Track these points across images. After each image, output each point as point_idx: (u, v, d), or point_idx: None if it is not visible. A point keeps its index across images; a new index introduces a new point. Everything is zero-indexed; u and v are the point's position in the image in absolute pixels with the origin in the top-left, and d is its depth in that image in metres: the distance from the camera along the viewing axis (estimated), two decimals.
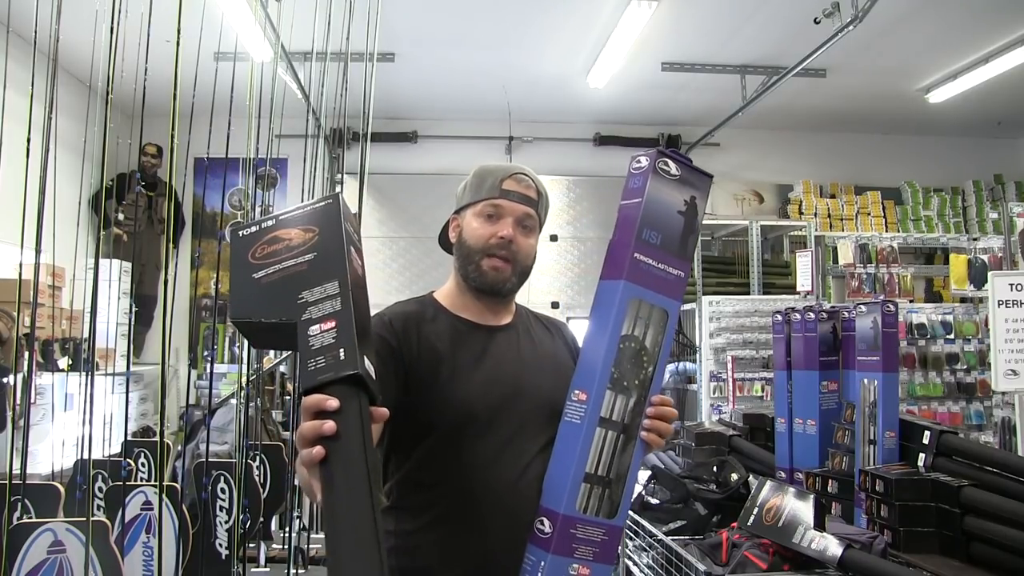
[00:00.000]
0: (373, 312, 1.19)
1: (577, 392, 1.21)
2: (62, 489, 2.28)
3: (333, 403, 0.89)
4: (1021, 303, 2.90)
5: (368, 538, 0.86)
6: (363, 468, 0.88)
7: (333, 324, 0.96)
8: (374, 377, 0.97)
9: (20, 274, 2.31)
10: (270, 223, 1.08)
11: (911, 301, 5.22)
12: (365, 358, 0.95)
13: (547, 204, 1.47)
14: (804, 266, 4.95)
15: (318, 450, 0.88)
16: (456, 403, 1.31)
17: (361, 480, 0.88)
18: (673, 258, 1.22)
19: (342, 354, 0.93)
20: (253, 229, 1.08)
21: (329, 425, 0.88)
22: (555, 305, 6.11)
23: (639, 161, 1.25)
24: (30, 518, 2.17)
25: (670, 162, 1.23)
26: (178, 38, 2.18)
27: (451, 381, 1.33)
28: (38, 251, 2.18)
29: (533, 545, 1.19)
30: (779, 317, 2.15)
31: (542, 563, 1.15)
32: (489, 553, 1.28)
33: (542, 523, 1.18)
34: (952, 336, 4.77)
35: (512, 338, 1.42)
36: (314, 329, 0.96)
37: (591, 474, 1.17)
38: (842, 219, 6.36)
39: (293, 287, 1.01)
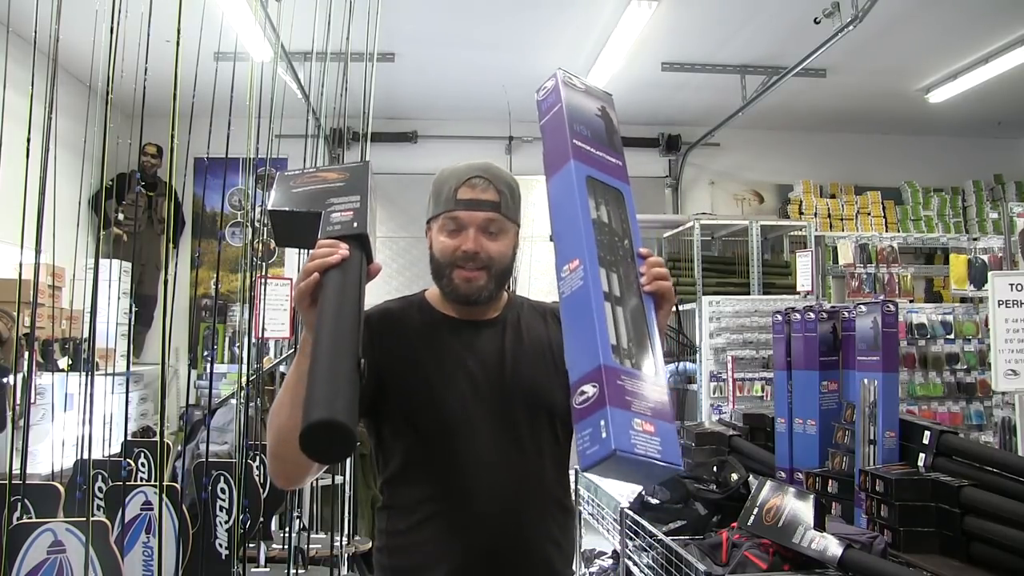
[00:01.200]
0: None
1: (568, 265, 1.12)
2: (62, 489, 2.28)
3: (344, 246, 1.11)
4: (1021, 303, 2.89)
5: (349, 347, 1.01)
6: (357, 293, 1.08)
7: (351, 212, 1.18)
8: (373, 253, 1.18)
9: (20, 274, 2.31)
10: (311, 169, 1.31)
11: (911, 301, 5.22)
12: (371, 237, 1.17)
13: (515, 196, 1.41)
14: (804, 266, 4.95)
15: (335, 257, 1.09)
16: (436, 400, 1.31)
17: (354, 300, 1.06)
18: (607, 147, 1.24)
19: (355, 224, 1.16)
20: (296, 171, 1.31)
21: (343, 251, 1.10)
22: (556, 304, 6.11)
23: (545, 85, 1.34)
24: (30, 518, 2.17)
25: (573, 77, 1.31)
26: (178, 38, 2.18)
27: (427, 378, 1.32)
28: (38, 251, 2.18)
29: (581, 420, 0.99)
30: (779, 317, 2.15)
31: (601, 421, 0.95)
32: (480, 549, 1.28)
33: (583, 392, 1.00)
34: (952, 336, 4.77)
35: (498, 332, 1.40)
36: (335, 215, 1.18)
37: (615, 346, 1.04)
38: (842, 219, 6.36)
39: (324, 195, 1.23)
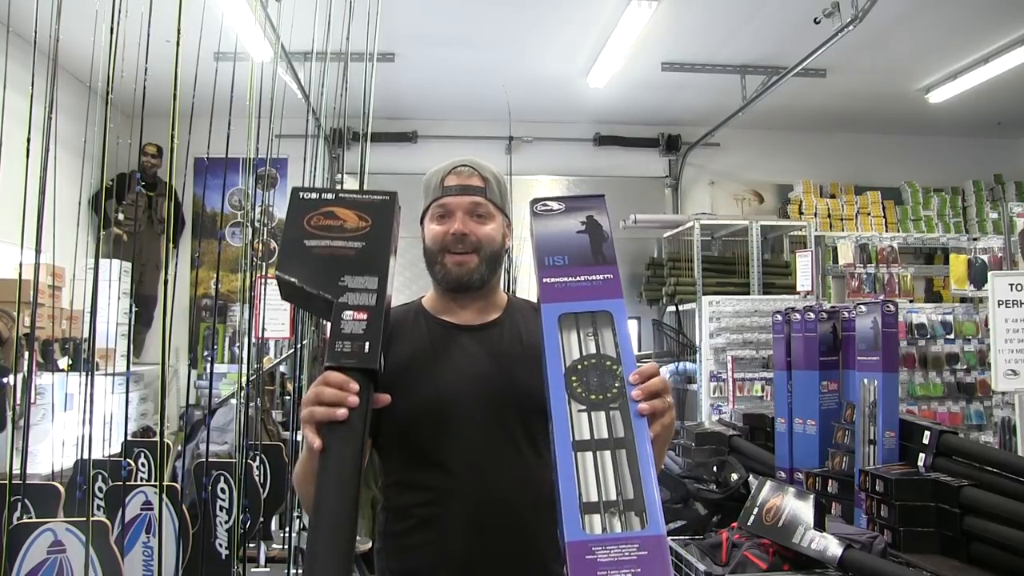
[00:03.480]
0: None
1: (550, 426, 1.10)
2: (62, 489, 2.28)
3: (355, 387, 1.04)
4: (1021, 303, 2.90)
5: (347, 514, 0.99)
6: (358, 446, 1.03)
7: (365, 316, 1.09)
8: (382, 370, 1.09)
9: (20, 274, 2.31)
10: (330, 196, 1.18)
11: (911, 301, 5.22)
12: (381, 355, 1.09)
13: (501, 187, 1.43)
14: (804, 266, 4.95)
15: (342, 412, 1.03)
16: (428, 405, 1.32)
17: (354, 456, 1.02)
18: (591, 267, 1.16)
19: (367, 347, 1.07)
20: (314, 196, 1.18)
21: (352, 400, 1.03)
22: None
23: (528, 220, 1.25)
24: (30, 518, 2.17)
25: (549, 202, 1.23)
26: (178, 38, 2.18)
27: (421, 384, 1.33)
28: (38, 251, 2.18)
29: None
30: (779, 317, 2.15)
31: None
32: (474, 556, 1.29)
33: (565, 568, 0.97)
34: (952, 336, 4.76)
35: (495, 335, 1.40)
36: (347, 315, 1.09)
37: (594, 502, 1.00)
38: (842, 219, 6.36)
39: (337, 268, 1.12)
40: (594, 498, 0.98)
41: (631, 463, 1.01)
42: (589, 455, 1.02)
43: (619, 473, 1.00)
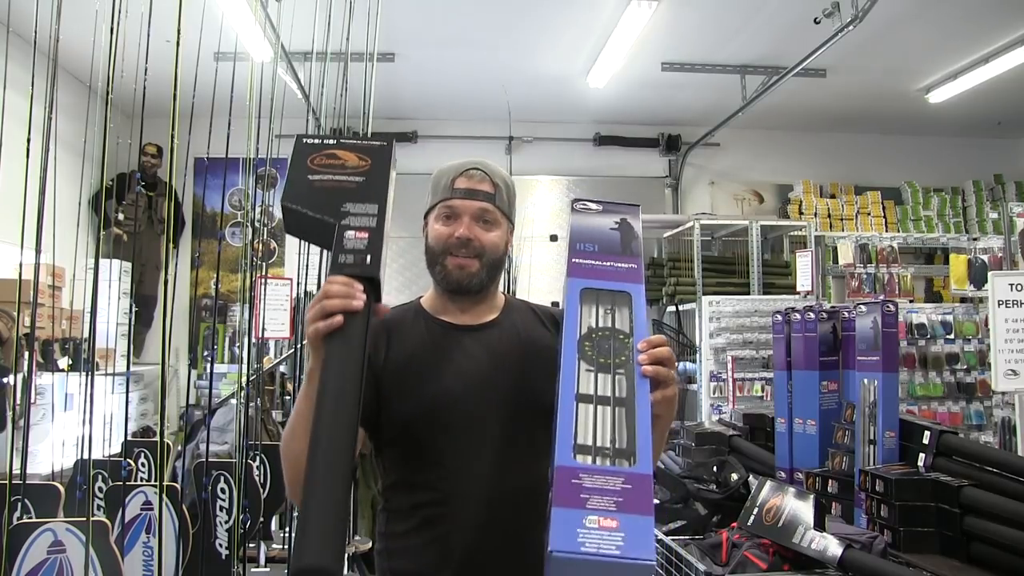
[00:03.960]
0: None
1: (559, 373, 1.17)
2: (62, 489, 2.28)
3: (359, 286, 1.09)
4: (1021, 303, 2.89)
5: (349, 415, 1.02)
6: (360, 356, 1.07)
7: (367, 235, 1.15)
8: (382, 284, 1.16)
9: (20, 274, 2.31)
10: (332, 142, 1.25)
11: (911, 301, 5.22)
12: (383, 268, 1.15)
13: (510, 193, 1.43)
14: (804, 266, 4.95)
15: (338, 319, 1.05)
16: (426, 405, 1.32)
17: (355, 363, 1.06)
18: (618, 256, 1.26)
19: (368, 259, 1.13)
20: (316, 141, 1.25)
21: (358, 301, 1.07)
22: (555, 305, 6.11)
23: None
24: (30, 518, 2.17)
25: (588, 202, 1.33)
26: (178, 38, 2.18)
27: (421, 384, 1.33)
28: (38, 251, 2.18)
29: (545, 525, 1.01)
30: (779, 317, 2.15)
31: (549, 522, 0.97)
32: (476, 554, 1.29)
33: (550, 493, 1.02)
34: (952, 336, 4.76)
35: (492, 336, 1.41)
36: (350, 234, 1.15)
37: (587, 445, 1.05)
38: (842, 219, 6.36)
39: (340, 196, 1.18)
40: (588, 442, 1.04)
41: (628, 420, 1.07)
42: (590, 407, 1.08)
43: (616, 426, 1.06)
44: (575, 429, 1.05)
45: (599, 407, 1.08)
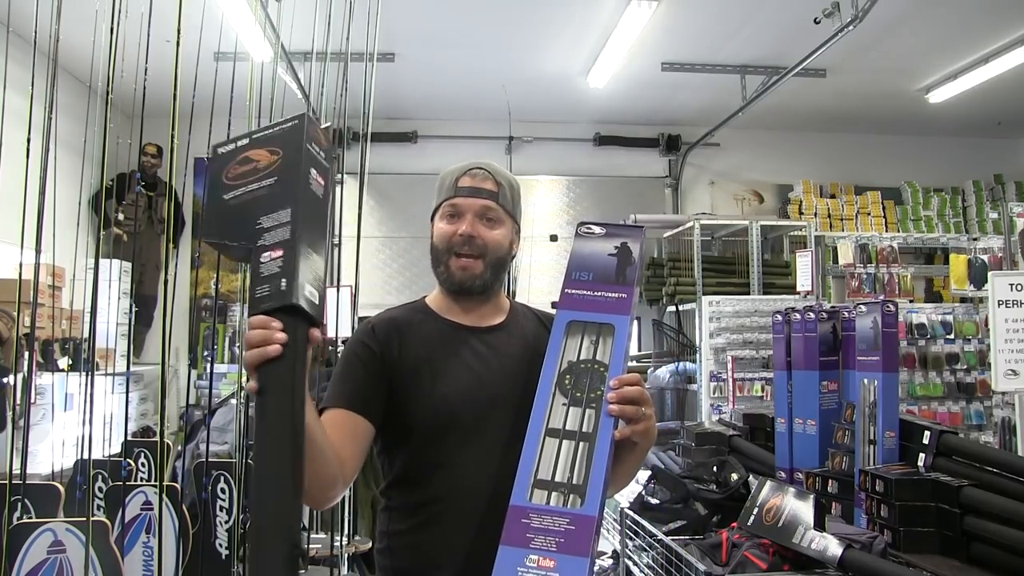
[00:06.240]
0: (372, 313, 1.25)
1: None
2: (62, 489, 2.28)
3: (277, 324, 0.99)
4: (1021, 303, 2.89)
5: (286, 455, 0.97)
6: (291, 392, 0.99)
7: (280, 253, 1.01)
8: (316, 302, 1.03)
9: (20, 274, 2.31)
10: (244, 142, 1.11)
11: (911, 301, 5.21)
12: (308, 285, 1.02)
13: (514, 193, 1.44)
14: (804, 266, 4.95)
15: (273, 348, 0.98)
16: (437, 405, 1.33)
17: (290, 394, 0.99)
18: (611, 285, 1.29)
19: (283, 284, 1.00)
20: (230, 147, 1.11)
21: (278, 337, 0.98)
22: (555, 305, 6.12)
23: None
24: (30, 518, 2.17)
25: (592, 225, 1.37)
26: (178, 38, 2.18)
27: (433, 384, 1.34)
28: (38, 251, 2.18)
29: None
30: (779, 317, 2.15)
31: (497, 557, 1.07)
32: (479, 553, 1.29)
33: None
34: (952, 336, 4.76)
35: (500, 338, 1.42)
36: (265, 256, 1.02)
37: (545, 480, 1.11)
38: (842, 219, 6.36)
39: (254, 211, 1.05)
40: (547, 477, 1.12)
41: (589, 455, 1.13)
42: (556, 441, 1.15)
43: (577, 462, 1.13)
44: (537, 465, 1.13)
45: (564, 441, 1.14)
